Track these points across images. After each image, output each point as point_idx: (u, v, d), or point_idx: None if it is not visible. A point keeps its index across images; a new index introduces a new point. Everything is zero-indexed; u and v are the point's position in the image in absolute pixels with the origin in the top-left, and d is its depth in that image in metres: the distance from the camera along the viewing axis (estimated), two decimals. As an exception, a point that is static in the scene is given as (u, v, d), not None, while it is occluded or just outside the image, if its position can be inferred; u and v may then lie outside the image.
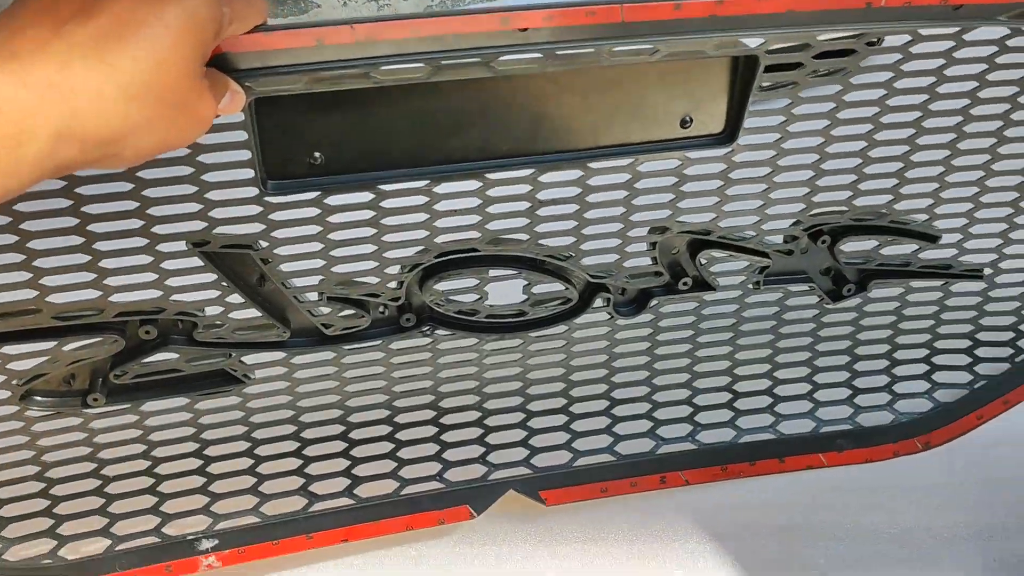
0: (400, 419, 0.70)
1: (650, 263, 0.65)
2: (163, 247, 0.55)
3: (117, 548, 0.67)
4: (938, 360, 0.78)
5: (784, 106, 0.59)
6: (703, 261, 0.66)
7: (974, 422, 0.79)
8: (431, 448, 0.72)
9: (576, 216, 0.61)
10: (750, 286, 0.69)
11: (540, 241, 0.61)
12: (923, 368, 0.78)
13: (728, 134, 0.59)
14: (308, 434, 0.68)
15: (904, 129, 0.62)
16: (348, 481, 0.71)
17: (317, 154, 0.54)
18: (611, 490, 0.75)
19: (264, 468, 0.68)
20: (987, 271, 0.72)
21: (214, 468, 0.67)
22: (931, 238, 0.69)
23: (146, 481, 0.67)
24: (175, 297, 0.57)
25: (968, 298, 0.74)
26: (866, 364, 0.77)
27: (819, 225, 0.67)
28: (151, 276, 0.56)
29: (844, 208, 0.66)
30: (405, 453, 0.71)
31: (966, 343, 0.77)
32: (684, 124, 0.59)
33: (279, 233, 0.56)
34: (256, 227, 0.55)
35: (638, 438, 0.75)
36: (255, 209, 0.55)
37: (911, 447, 0.79)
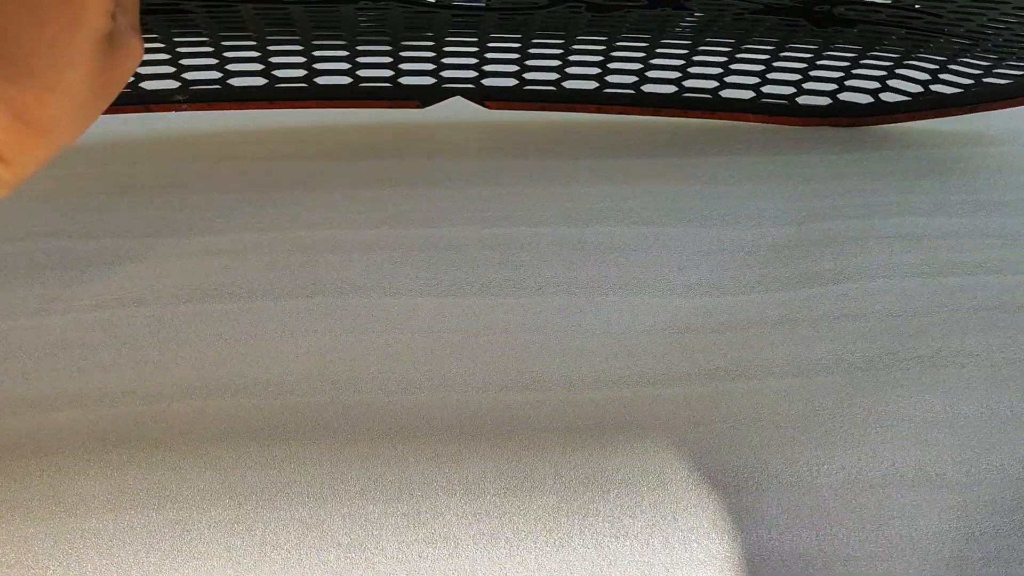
0: (356, 39, 0.72)
1: None
2: None
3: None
4: (900, 72, 0.78)
5: None
6: None
7: (904, 119, 0.83)
8: (385, 59, 0.75)
9: None
10: None
11: None
12: (881, 73, 0.78)
13: None
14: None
15: None
16: (306, 72, 0.76)
17: None
18: (550, 108, 0.82)
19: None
20: None
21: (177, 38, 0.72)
22: None
23: None
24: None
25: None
26: (827, 61, 0.77)
27: None
28: None
29: None
30: (361, 59, 0.75)
31: (941, 58, 0.76)
32: None
33: None
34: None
35: (583, 79, 0.79)
36: None
37: (836, 123, 0.84)
